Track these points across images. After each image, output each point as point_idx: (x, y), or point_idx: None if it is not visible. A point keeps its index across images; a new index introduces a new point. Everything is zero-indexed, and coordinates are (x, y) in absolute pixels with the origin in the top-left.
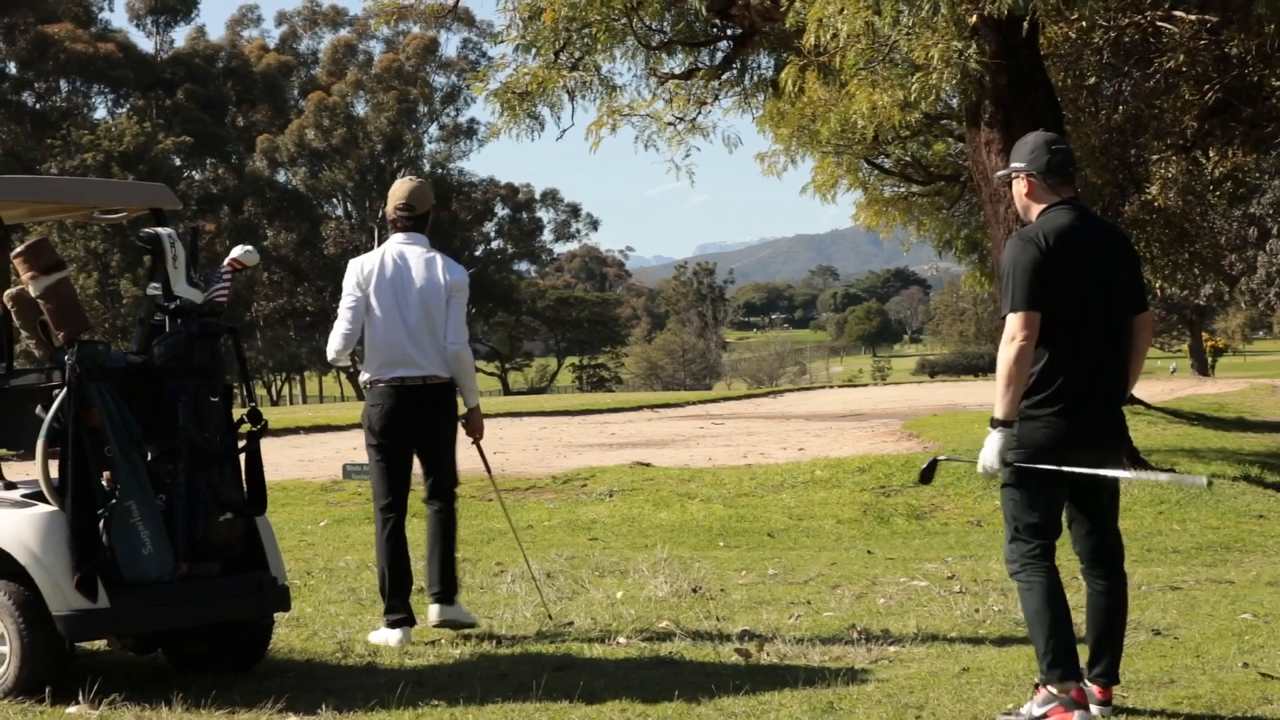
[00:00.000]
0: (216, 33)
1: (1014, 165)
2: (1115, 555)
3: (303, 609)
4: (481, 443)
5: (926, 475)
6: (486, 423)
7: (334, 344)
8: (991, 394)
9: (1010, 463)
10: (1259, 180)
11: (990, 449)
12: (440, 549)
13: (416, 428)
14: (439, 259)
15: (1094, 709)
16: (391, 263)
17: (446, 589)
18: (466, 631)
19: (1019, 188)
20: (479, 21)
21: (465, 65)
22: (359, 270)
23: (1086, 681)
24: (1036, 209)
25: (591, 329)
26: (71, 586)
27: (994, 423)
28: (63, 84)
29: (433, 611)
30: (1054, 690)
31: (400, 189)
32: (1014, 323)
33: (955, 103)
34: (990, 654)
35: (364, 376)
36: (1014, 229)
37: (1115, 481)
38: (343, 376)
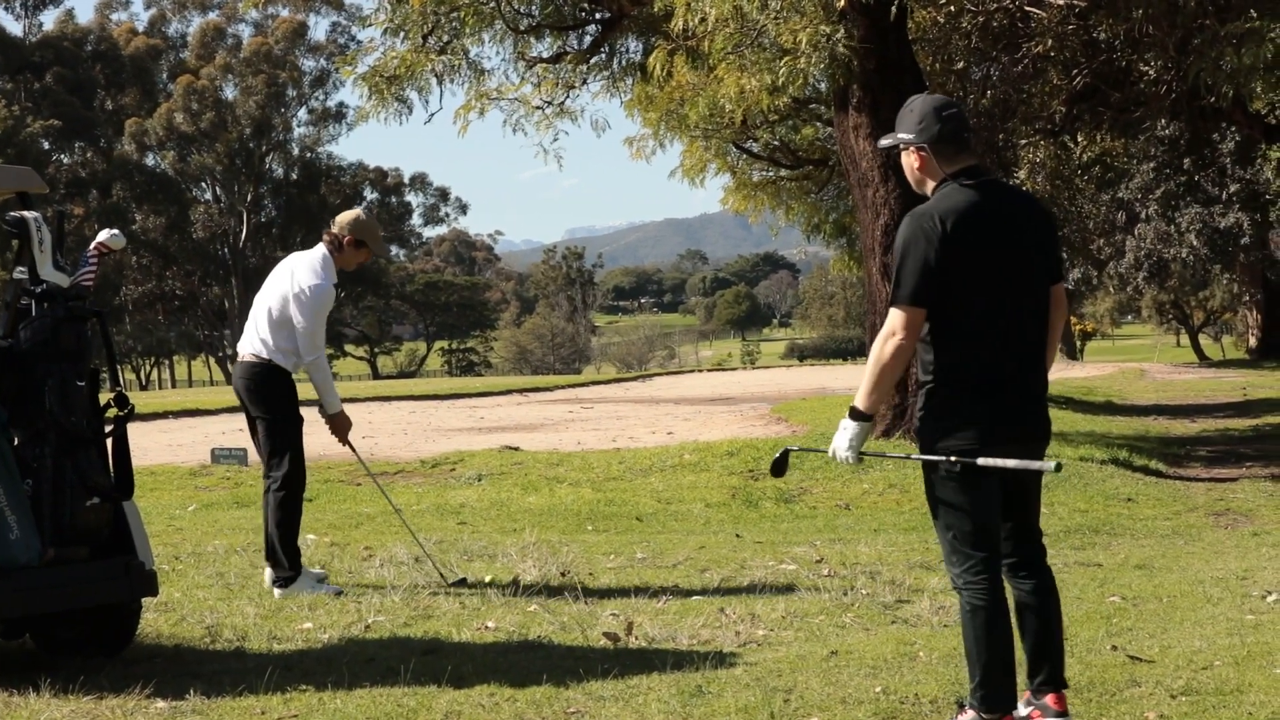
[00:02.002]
0: (85, 16)
1: (900, 136)
2: (1039, 552)
3: (171, 594)
4: (351, 441)
5: (778, 467)
6: (355, 406)
7: None
8: (859, 378)
9: (947, 470)
10: (1127, 165)
11: (843, 436)
12: (266, 526)
13: (243, 400)
14: (302, 269)
15: None
16: (286, 261)
17: (270, 558)
18: (340, 621)
19: (909, 161)
20: (348, 5)
21: (334, 49)
22: None
23: (1032, 695)
24: (932, 183)
25: (460, 313)
26: None
27: (853, 413)
28: None
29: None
30: (983, 717)
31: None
32: (896, 318)
33: (824, 87)
34: (858, 637)
35: None
36: (882, 213)
37: (1039, 479)
38: (211, 360)
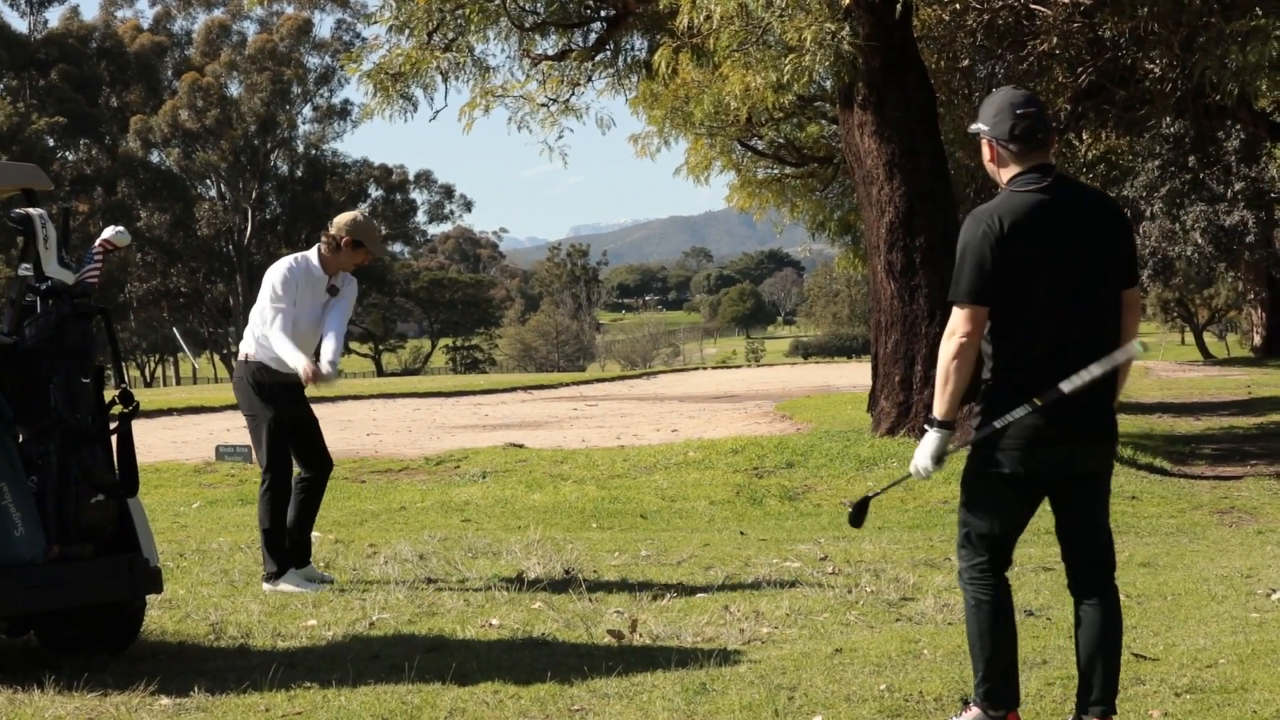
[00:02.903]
0: (90, 13)
1: (979, 126)
2: (1106, 566)
3: (175, 591)
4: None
5: (857, 517)
6: (360, 403)
7: None
8: (863, 376)
9: (980, 470)
10: (1132, 163)
11: (924, 449)
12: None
13: None
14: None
15: None
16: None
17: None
18: (344, 618)
19: (984, 150)
20: (353, 2)
21: (339, 46)
22: None
23: (1077, 716)
24: (1004, 176)
25: (465, 310)
26: None
27: (931, 422)
28: None
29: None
30: (988, 713)
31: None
32: (956, 316)
33: (828, 85)
34: (863, 635)
35: None
36: (886, 210)
37: (1105, 484)
38: (216, 358)
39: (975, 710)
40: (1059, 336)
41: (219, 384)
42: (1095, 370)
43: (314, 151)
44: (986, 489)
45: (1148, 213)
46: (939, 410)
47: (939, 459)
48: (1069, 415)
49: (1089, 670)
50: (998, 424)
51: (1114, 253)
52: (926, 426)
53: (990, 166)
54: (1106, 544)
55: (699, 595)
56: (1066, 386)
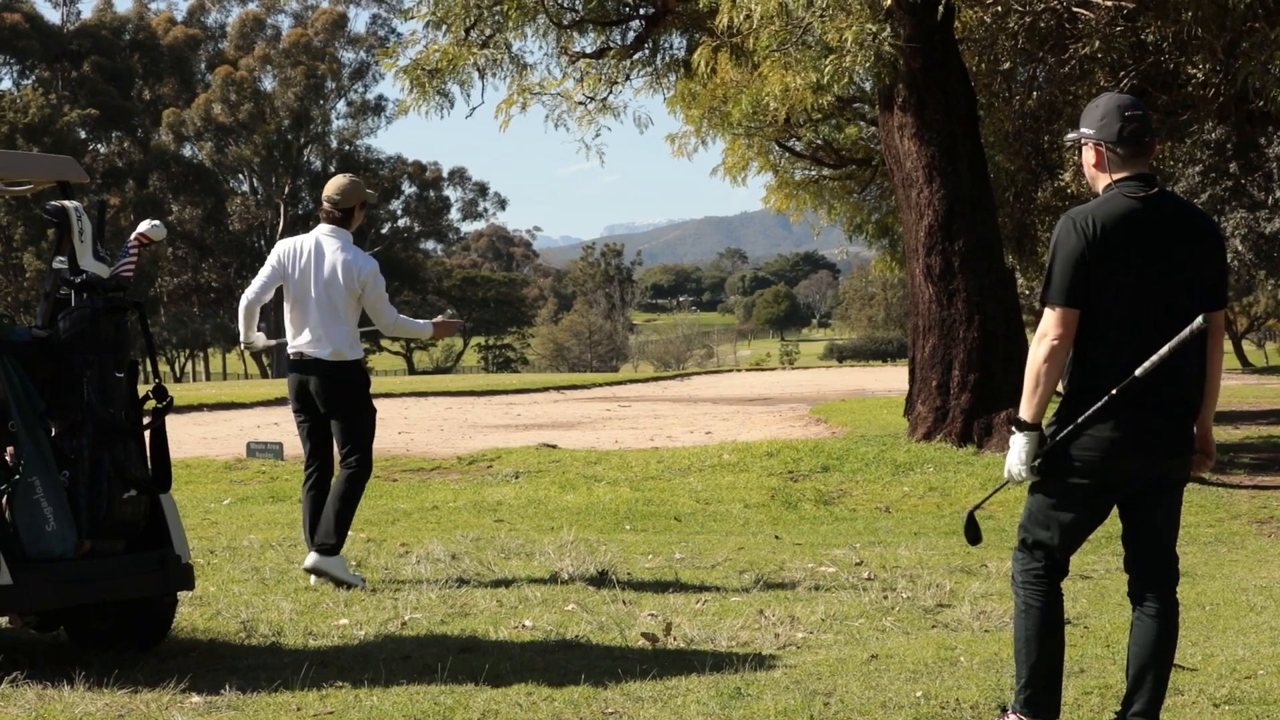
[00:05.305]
0: (124, 4)
1: (1082, 131)
2: (1168, 578)
3: (206, 588)
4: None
5: (974, 535)
6: (391, 401)
7: (242, 303)
8: (899, 380)
9: (1046, 473)
10: (1173, 168)
11: (1015, 453)
12: (335, 506)
13: (313, 398)
14: (352, 254)
15: None
16: (309, 250)
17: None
18: (376, 618)
19: (1087, 157)
20: None
21: (374, 41)
22: (282, 250)
23: None
24: (1104, 182)
25: (498, 309)
26: None
27: (1019, 425)
28: None
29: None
30: None
31: (330, 184)
32: (1048, 319)
33: (868, 86)
34: (899, 641)
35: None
36: (926, 214)
37: (1176, 496)
38: (247, 354)
39: (1014, 718)
40: (1141, 348)
41: (249, 380)
42: (1164, 351)
43: (347, 147)
44: (1057, 499)
45: None
46: (1027, 413)
47: (1034, 463)
48: (1151, 427)
49: (1138, 680)
50: (1075, 423)
51: (1202, 271)
52: (1014, 430)
53: (1091, 171)
54: (1173, 556)
55: (733, 599)
56: (1139, 371)
